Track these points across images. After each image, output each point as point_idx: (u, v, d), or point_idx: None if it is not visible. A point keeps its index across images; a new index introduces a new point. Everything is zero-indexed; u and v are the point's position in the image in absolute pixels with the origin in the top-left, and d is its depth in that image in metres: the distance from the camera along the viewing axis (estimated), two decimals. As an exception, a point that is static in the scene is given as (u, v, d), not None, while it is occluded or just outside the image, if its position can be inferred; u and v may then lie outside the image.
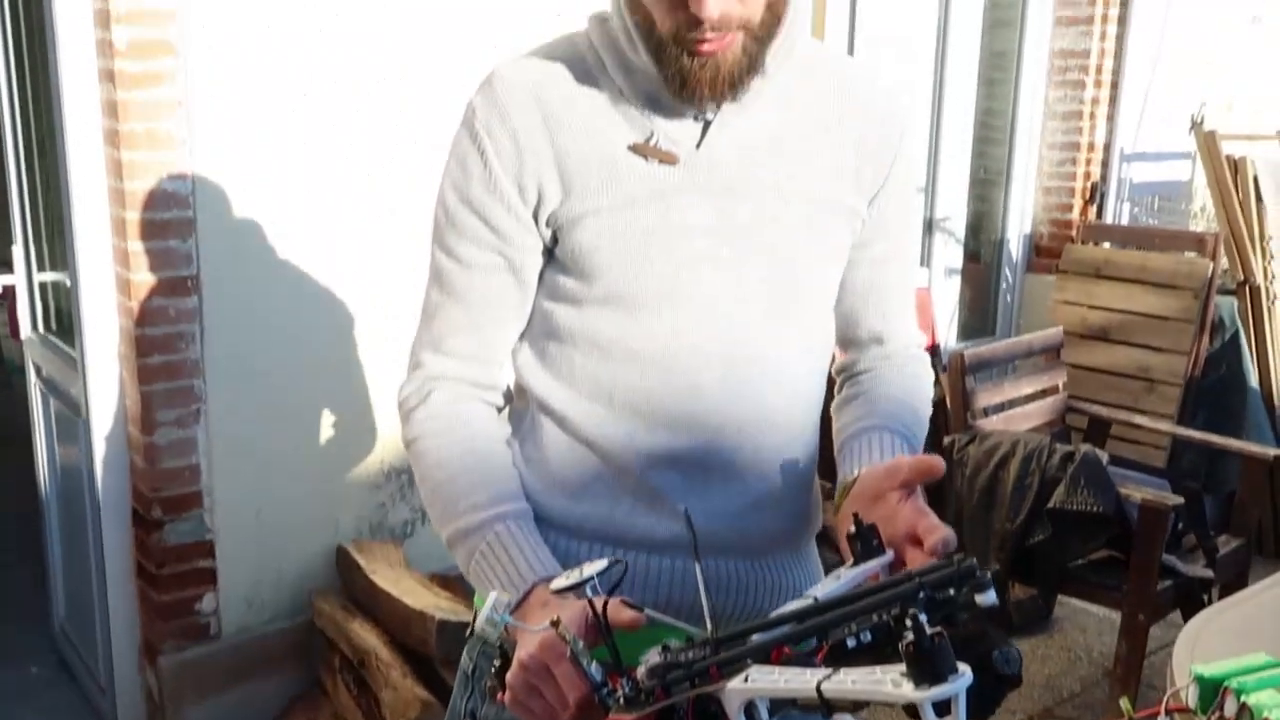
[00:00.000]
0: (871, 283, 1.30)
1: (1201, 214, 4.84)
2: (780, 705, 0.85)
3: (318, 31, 2.61)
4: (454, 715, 1.32)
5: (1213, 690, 1.41)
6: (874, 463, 1.18)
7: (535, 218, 1.17)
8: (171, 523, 2.58)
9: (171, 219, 2.51)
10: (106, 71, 2.42)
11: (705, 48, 1.06)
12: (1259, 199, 4.13)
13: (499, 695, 1.02)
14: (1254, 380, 4.06)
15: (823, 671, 0.77)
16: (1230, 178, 4.13)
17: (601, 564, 0.94)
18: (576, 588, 0.93)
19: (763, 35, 1.09)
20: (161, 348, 2.54)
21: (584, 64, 1.17)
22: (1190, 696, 1.43)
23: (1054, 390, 3.63)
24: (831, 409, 1.35)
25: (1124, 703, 1.41)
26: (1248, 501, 3.32)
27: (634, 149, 1.15)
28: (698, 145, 1.16)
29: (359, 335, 2.80)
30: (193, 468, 2.60)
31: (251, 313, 2.63)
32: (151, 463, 2.55)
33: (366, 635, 2.49)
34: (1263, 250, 4.15)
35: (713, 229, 1.16)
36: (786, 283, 1.20)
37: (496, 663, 1.02)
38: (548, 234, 1.18)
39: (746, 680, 0.82)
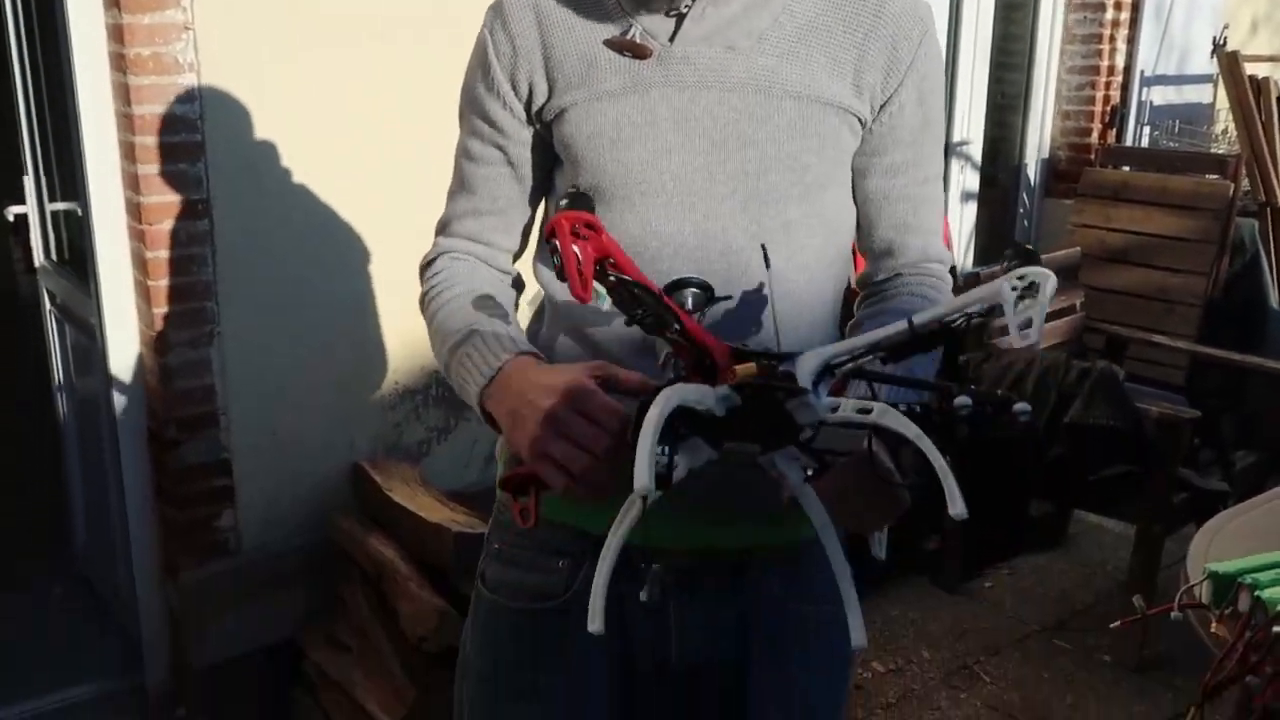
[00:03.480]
0: (884, 192, 1.28)
1: (1223, 137, 4.76)
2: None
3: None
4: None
5: (1227, 586, 1.40)
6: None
7: (529, 113, 1.25)
8: (187, 442, 2.60)
9: (180, 142, 2.49)
10: (111, -8, 2.39)
11: None
12: (1282, 119, 4.06)
13: (513, 472, 1.08)
14: (1275, 301, 4.02)
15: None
16: (1253, 99, 4.06)
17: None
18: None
19: None
20: (173, 270, 2.53)
21: None
22: (1204, 593, 1.42)
23: (1070, 310, 3.61)
24: (846, 330, 1.31)
25: (1137, 600, 1.41)
26: (1267, 417, 3.30)
27: (609, 43, 1.19)
28: (671, 39, 1.18)
29: (371, 256, 2.79)
30: (206, 388, 2.60)
31: (263, 235, 2.62)
32: (166, 383, 2.56)
33: (384, 549, 2.51)
34: (1285, 170, 4.09)
35: (683, 121, 1.18)
36: (765, 176, 1.18)
37: None
38: (540, 129, 1.26)
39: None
